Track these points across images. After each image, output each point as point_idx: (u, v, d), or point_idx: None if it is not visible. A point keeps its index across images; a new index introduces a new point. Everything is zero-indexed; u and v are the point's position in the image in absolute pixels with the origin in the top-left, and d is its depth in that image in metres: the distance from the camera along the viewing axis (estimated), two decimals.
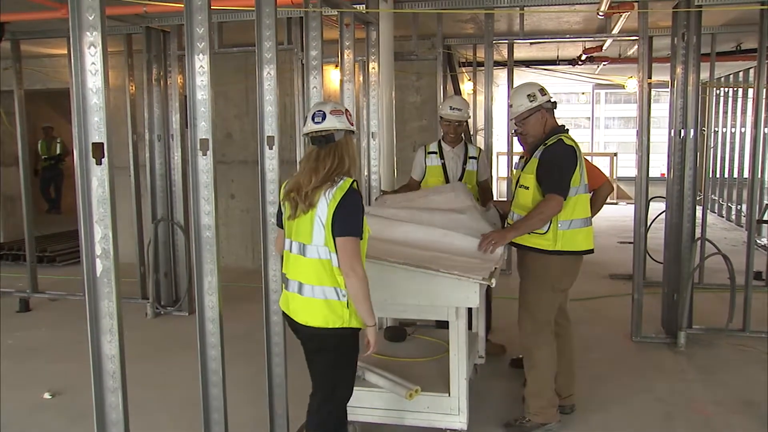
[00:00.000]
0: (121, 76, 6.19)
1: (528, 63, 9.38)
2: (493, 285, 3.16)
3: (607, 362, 4.69)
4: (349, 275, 2.51)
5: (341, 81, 4.69)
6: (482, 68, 7.00)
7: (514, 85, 7.71)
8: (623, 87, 9.87)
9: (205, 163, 2.63)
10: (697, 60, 4.71)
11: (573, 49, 8.80)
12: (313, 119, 2.62)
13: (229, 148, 7.89)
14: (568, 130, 3.61)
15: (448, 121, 4.60)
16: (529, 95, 3.53)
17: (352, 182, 2.57)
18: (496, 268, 3.31)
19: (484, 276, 3.14)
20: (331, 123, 2.59)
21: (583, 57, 8.64)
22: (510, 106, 3.65)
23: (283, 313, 2.77)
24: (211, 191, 2.63)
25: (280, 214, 2.77)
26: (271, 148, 3.06)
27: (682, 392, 4.16)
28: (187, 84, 2.67)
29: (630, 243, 9.37)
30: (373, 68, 5.14)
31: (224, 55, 7.01)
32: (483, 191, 4.76)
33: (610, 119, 37.90)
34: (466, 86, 9.19)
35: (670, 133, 5.01)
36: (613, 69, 10.03)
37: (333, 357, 2.66)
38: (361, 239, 2.57)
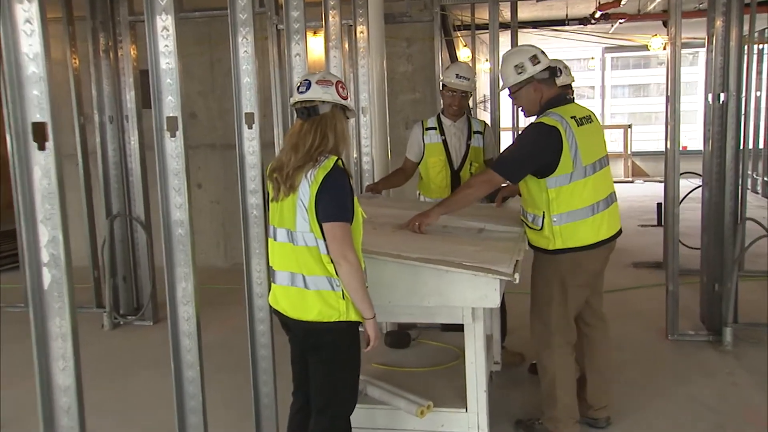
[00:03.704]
0: (61, 47, 5.92)
1: (534, 23, 9.22)
2: (517, 281, 3.02)
3: (642, 365, 4.59)
4: (341, 263, 2.52)
5: (326, 48, 4.50)
6: (481, 31, 6.84)
7: None
8: (647, 48, 9.67)
9: (174, 147, 2.44)
10: (740, 10, 4.59)
11: (584, 6, 8.67)
12: (298, 89, 2.62)
13: (194, 130, 7.67)
14: (571, 100, 3.50)
15: (453, 90, 4.45)
16: (516, 66, 3.41)
17: (337, 160, 2.56)
18: (518, 261, 3.17)
19: (505, 270, 3.00)
20: (316, 93, 2.58)
21: (597, 14, 8.50)
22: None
23: (273, 310, 2.76)
24: (182, 180, 2.45)
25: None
26: (250, 128, 2.90)
27: (734, 399, 4.06)
28: (149, 51, 2.48)
29: (652, 226, 9.47)
30: (362, 32, 4.97)
31: (184, 21, 6.78)
32: None
33: (616, 87, 37.88)
34: (461, 53, 9.02)
35: (706, 98, 4.88)
36: (629, 28, 9.90)
37: (331, 355, 2.65)
38: (352, 223, 2.57)
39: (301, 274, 2.57)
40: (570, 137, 3.29)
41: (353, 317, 2.61)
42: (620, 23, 9.16)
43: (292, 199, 2.54)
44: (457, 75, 4.43)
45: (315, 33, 6.66)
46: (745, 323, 4.96)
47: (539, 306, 3.57)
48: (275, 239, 2.66)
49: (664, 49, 7.65)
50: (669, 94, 4.92)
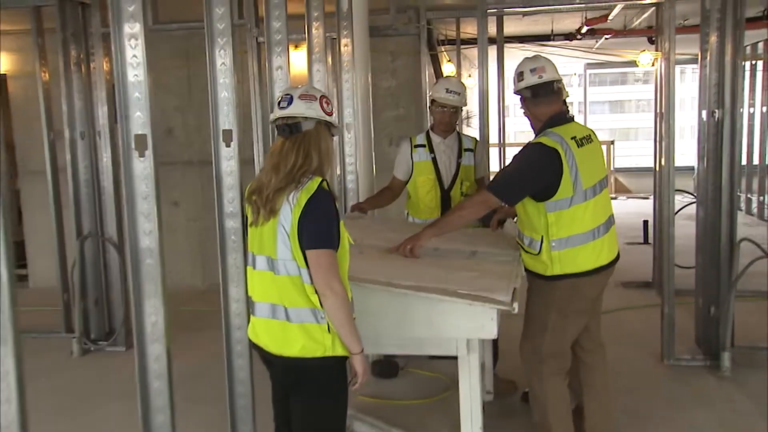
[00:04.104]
0: (30, 60, 5.70)
1: (520, 38, 9.13)
2: (515, 311, 2.82)
3: (639, 392, 4.40)
4: (326, 294, 2.33)
5: (309, 62, 4.31)
6: (467, 46, 6.72)
7: (504, 65, 7.51)
8: (636, 63, 9.58)
9: (143, 168, 2.20)
10: (735, 26, 4.47)
11: (570, 22, 8.58)
12: (279, 104, 2.46)
13: (171, 146, 7.43)
14: (571, 118, 3.34)
15: (443, 106, 4.28)
16: (514, 78, 3.35)
17: (321, 182, 2.39)
18: (515, 289, 2.98)
19: (503, 299, 2.80)
20: (298, 109, 2.41)
21: (584, 29, 8.40)
22: None
23: (253, 344, 2.56)
24: (152, 204, 2.20)
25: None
26: (228, 146, 2.68)
27: (736, 427, 3.90)
28: (116, 62, 2.26)
29: (639, 244, 9.33)
30: (346, 46, 4.78)
31: (160, 34, 6.58)
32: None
33: (594, 104, 38.04)
34: (445, 68, 8.89)
35: (700, 114, 4.75)
36: (614, 43, 9.84)
37: (315, 393, 2.46)
38: (338, 249, 2.39)
39: (282, 305, 2.38)
40: (570, 160, 3.13)
41: (340, 352, 2.41)
42: (606, 38, 9.10)
43: (273, 223, 2.36)
44: (447, 89, 4.26)
45: (296, 46, 6.48)
46: (743, 346, 4.80)
47: (532, 332, 3.40)
48: (254, 267, 2.46)
49: (653, 65, 7.56)
50: (662, 110, 4.80)
